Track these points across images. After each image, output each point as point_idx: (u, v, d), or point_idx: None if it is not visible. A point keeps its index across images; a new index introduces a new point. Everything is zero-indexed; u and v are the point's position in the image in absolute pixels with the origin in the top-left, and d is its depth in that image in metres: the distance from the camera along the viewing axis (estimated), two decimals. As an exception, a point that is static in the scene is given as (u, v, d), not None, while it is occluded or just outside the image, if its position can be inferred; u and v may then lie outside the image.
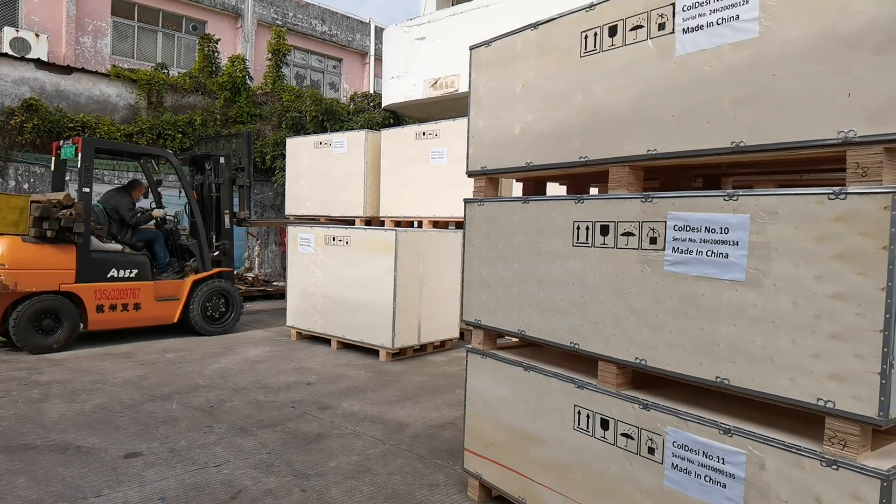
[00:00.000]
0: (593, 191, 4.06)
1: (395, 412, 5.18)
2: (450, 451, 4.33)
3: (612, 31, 2.80)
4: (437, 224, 8.83)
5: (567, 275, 2.97)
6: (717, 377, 2.39)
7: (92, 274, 7.18)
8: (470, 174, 3.60)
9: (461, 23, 10.65)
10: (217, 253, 8.55)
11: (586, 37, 2.91)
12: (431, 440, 4.54)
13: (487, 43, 3.47)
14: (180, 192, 8.53)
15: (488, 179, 3.51)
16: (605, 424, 2.82)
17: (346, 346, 7.61)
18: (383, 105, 12.34)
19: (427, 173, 8.77)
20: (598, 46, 2.87)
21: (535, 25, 3.18)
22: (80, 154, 7.20)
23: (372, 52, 23.58)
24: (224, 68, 12.84)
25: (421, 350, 7.44)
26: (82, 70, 11.39)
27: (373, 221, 9.94)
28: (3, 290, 6.57)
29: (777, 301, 2.22)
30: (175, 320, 7.98)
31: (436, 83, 10.98)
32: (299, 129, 12.74)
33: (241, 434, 4.55)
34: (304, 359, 7.06)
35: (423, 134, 8.81)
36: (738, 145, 2.35)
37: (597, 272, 2.83)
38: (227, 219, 8.68)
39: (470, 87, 3.60)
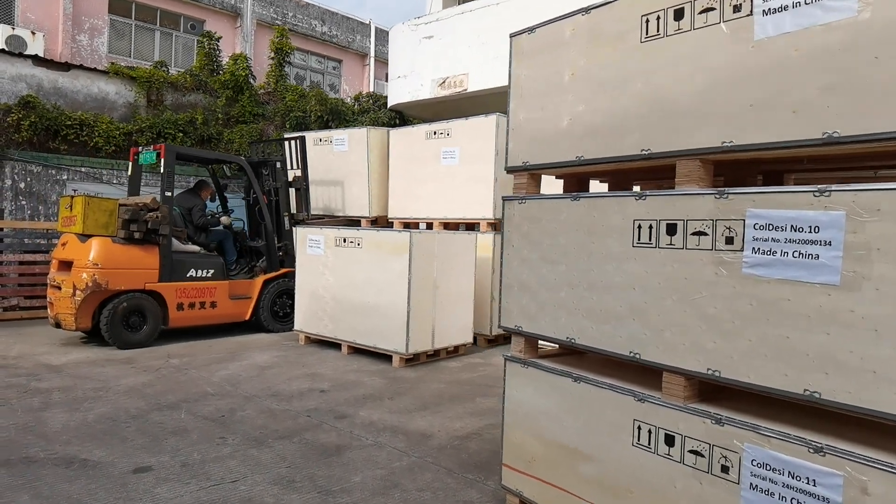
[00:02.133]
0: (636, 188, 3.85)
1: (415, 422, 4.93)
2: (479, 464, 4.09)
3: (678, 14, 2.59)
4: (447, 226, 8.60)
5: (625, 278, 2.74)
6: (805, 390, 2.17)
7: (173, 273, 7.64)
8: (509, 170, 3.37)
9: (470, 21, 10.46)
10: (281, 254, 8.80)
11: (647, 21, 2.69)
12: (458, 452, 4.30)
13: (530, 30, 3.24)
14: (250, 195, 9.11)
15: (530, 176, 3.29)
16: (670, 440, 2.59)
17: (357, 350, 7.37)
18: (389, 105, 12.12)
19: (438, 174, 8.56)
20: (661, 31, 2.65)
21: (586, 10, 2.95)
22: (162, 160, 7.66)
23: (372, 53, 23.37)
24: (226, 66, 12.57)
25: (434, 356, 7.20)
26: (80, 67, 11.10)
27: (379, 221, 9.71)
28: (97, 289, 7.02)
29: (879, 307, 2.00)
30: (247, 318, 8.44)
31: (444, 82, 10.76)
32: (303, 130, 12.45)
33: (256, 446, 4.30)
34: (315, 364, 6.80)
35: (435, 133, 8.59)
36: (831, 136, 2.14)
37: (661, 275, 2.60)
38: (286, 220, 8.96)
39: (510, 78, 3.38)
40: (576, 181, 3.48)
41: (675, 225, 2.56)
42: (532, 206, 3.21)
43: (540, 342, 3.36)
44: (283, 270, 8.78)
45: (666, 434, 2.61)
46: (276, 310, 8.70)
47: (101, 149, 10.46)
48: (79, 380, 5.85)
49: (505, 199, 3.38)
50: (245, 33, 19.16)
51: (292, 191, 9.25)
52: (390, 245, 6.85)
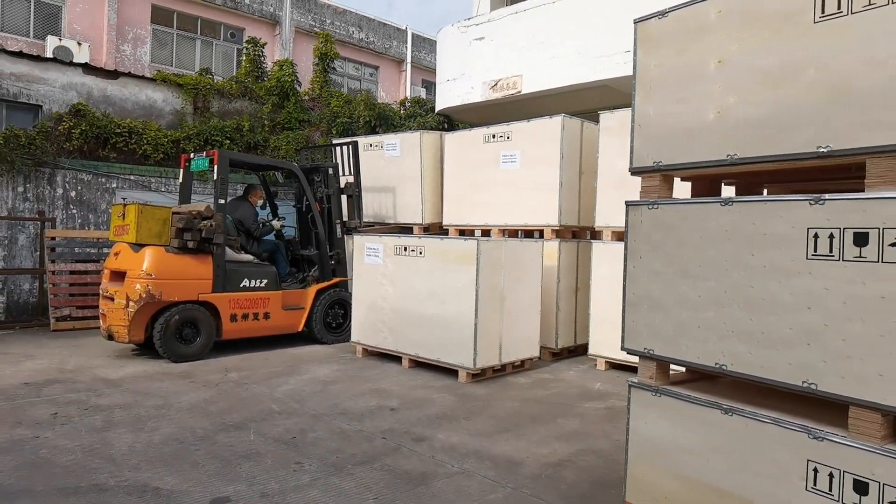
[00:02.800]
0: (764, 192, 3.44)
1: (499, 446, 4.57)
2: (583, 497, 3.71)
3: (868, -15, 2.20)
4: (507, 233, 8.24)
5: (796, 296, 2.35)
6: None
7: (227, 284, 7.39)
8: (636, 172, 3.00)
9: (524, 21, 10.11)
10: (333, 262, 8.54)
11: (823, -4, 2.31)
12: (555, 483, 3.92)
13: (662, 14, 2.88)
14: (302, 202, 8.68)
15: (662, 177, 2.91)
16: (861, 487, 2.19)
17: (419, 364, 7.03)
18: (437, 109, 11.83)
19: (497, 179, 8.21)
20: (843, 8, 2.26)
21: (738, -12, 2.58)
22: (215, 167, 7.38)
23: (408, 59, 23.19)
24: (271, 73, 12.42)
25: (501, 371, 6.83)
26: (129, 75, 11.04)
27: (431, 229, 9.39)
28: (151, 300, 6.78)
29: None
30: (300, 329, 8.19)
31: (496, 85, 10.43)
32: (350, 135, 12.24)
33: (336, 473, 3.98)
34: (378, 379, 6.49)
35: (493, 137, 8.25)
36: None
37: (846, 293, 2.21)
38: (339, 228, 8.67)
39: (634, 69, 3.01)
40: (707, 184, 3.10)
41: (867, 234, 2.17)
42: (666, 213, 2.83)
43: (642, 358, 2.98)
44: (335, 280, 8.51)
45: (855, 479, 2.21)
46: (329, 321, 8.41)
47: (149, 156, 10.35)
48: (138, 396, 5.61)
49: (629, 204, 3.01)
50: (284, 41, 19.11)
51: (344, 198, 8.96)
52: (456, 254, 6.52)
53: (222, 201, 7.36)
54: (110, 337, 7.05)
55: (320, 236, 8.40)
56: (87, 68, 10.54)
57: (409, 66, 23.29)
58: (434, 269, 6.72)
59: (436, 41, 24.62)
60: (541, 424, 5.13)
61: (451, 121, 12.57)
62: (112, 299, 6.99)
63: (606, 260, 7.20)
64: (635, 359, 3.03)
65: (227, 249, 7.45)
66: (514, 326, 6.83)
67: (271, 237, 8.44)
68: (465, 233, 8.76)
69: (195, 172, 8.22)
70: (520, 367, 7.07)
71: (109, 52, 15.59)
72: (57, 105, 9.96)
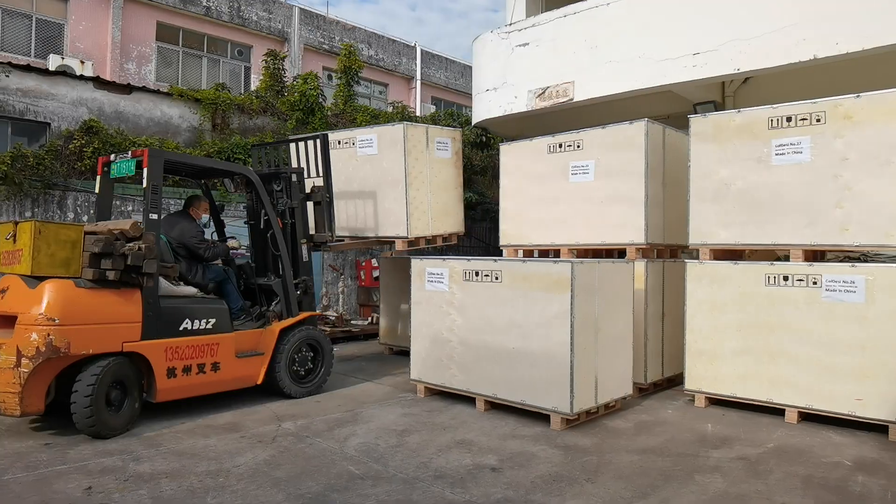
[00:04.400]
0: None
1: (654, 520, 3.65)
2: None
3: None
4: (577, 252, 7.37)
5: None
6: None
7: (162, 327, 5.52)
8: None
9: (574, 24, 9.35)
10: (299, 293, 6.84)
11: None
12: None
13: None
14: (259, 218, 6.86)
15: None
16: None
17: (495, 406, 6.10)
18: (474, 122, 11.02)
19: (565, 193, 7.37)
20: None
21: None
22: (145, 169, 5.54)
23: (418, 75, 22.61)
24: (295, 86, 11.61)
25: (594, 413, 5.90)
26: (143, 89, 10.21)
27: (417, 243, 8.40)
28: (53, 354, 4.84)
29: None
30: (259, 381, 6.29)
31: (543, 93, 9.63)
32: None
33: (472, 570, 3.04)
34: (456, 427, 5.55)
35: (560, 146, 7.41)
36: None
37: None
38: (304, 250, 6.97)
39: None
40: None
41: None
42: None
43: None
44: (302, 315, 6.77)
45: None
46: (296, 368, 6.62)
47: (166, 177, 9.45)
48: (184, 458, 4.65)
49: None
50: (293, 58, 18.43)
51: (310, 205, 7.26)
52: (542, 279, 5.63)
53: (154, 216, 5.54)
54: None
55: (283, 260, 6.72)
56: (99, 82, 9.70)
57: (418, 82, 22.68)
58: (514, 297, 5.82)
59: (446, 57, 24.31)
60: (680, 484, 4.21)
61: (488, 134, 11.77)
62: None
63: (705, 282, 6.34)
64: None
65: (162, 281, 5.67)
66: (609, 362, 5.93)
67: (217, 263, 6.74)
68: (526, 254, 7.90)
69: (116, 180, 6.61)
70: (612, 407, 6.15)
71: (113, 70, 14.84)
72: (66, 122, 9.09)
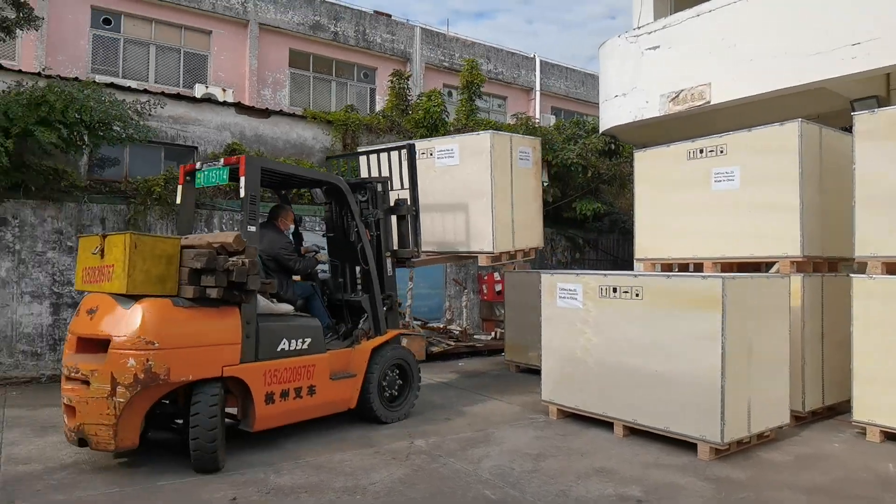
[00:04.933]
0: None
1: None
2: None
3: None
4: (722, 266, 6.80)
5: None
6: None
7: (260, 348, 5.08)
8: None
9: (709, 23, 8.75)
10: (384, 308, 6.40)
11: None
12: None
13: None
14: (344, 229, 6.48)
15: None
16: None
17: (634, 432, 5.70)
18: (602, 129, 10.63)
19: (707, 202, 6.84)
20: None
21: None
22: (243, 178, 5.10)
23: (537, 87, 22.38)
24: (418, 104, 11.80)
25: (746, 443, 5.35)
26: (280, 113, 10.79)
27: (501, 257, 7.96)
28: (152, 382, 4.41)
29: None
30: (353, 405, 5.88)
31: (677, 97, 9.09)
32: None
33: None
34: (593, 453, 5.23)
35: (701, 152, 6.91)
36: None
37: None
38: (389, 264, 6.55)
39: None
40: None
41: None
42: None
43: None
44: (392, 333, 6.37)
45: None
46: (386, 391, 6.18)
47: (302, 195, 9.88)
48: (323, 473, 4.70)
49: None
50: (415, 77, 18.80)
51: (392, 219, 6.80)
52: (689, 296, 5.20)
53: (252, 228, 5.12)
54: (82, 441, 4.54)
55: (372, 275, 6.28)
56: (240, 108, 10.36)
57: (538, 93, 22.45)
58: (656, 315, 5.43)
59: (565, 67, 23.91)
60: (870, 536, 3.66)
61: (617, 141, 11.32)
62: (85, 382, 4.50)
63: (875, 299, 5.61)
64: None
65: (259, 298, 5.23)
66: (763, 387, 5.37)
67: (307, 281, 6.33)
68: (664, 268, 7.42)
69: (200, 191, 6.48)
70: (766, 437, 5.56)
71: (251, 96, 15.83)
72: (212, 146, 9.76)
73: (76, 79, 8.75)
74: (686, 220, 7.06)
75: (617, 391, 5.75)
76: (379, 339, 6.19)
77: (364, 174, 7.89)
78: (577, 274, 6.24)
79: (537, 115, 21.55)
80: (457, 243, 7.80)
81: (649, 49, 9.56)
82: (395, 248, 6.77)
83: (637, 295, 5.59)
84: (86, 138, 7.90)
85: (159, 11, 14.66)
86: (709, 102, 8.76)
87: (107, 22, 14.23)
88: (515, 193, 7.92)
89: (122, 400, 4.37)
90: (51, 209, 8.22)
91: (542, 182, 11.56)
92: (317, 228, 9.66)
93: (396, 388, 6.29)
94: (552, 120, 20.97)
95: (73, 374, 4.58)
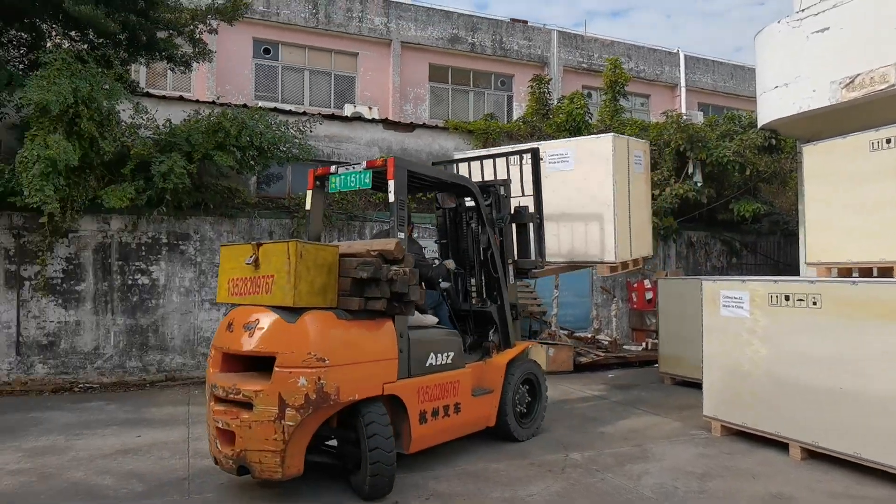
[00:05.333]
0: None
1: None
2: None
3: None
4: (913, 272, 5.98)
5: None
6: None
7: (412, 364, 4.74)
8: None
9: (892, -3, 7.80)
10: (512, 319, 6.07)
11: None
12: None
13: None
14: (463, 236, 6.21)
15: None
16: None
17: (813, 454, 5.16)
18: (760, 124, 9.83)
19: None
20: None
21: None
22: (391, 182, 4.73)
23: (682, 82, 21.26)
24: (559, 107, 11.65)
25: (956, 474, 4.65)
26: (423, 126, 11.18)
27: (618, 267, 7.26)
28: (323, 403, 4.08)
29: None
30: (493, 423, 5.57)
31: (852, 82, 8.18)
32: (653, 166, 10.86)
33: None
34: (768, 476, 4.80)
35: (888, 142, 6.14)
36: None
37: None
38: (511, 271, 6.14)
39: None
40: None
41: None
42: None
43: None
44: (523, 345, 6.05)
45: None
46: (518, 405, 5.82)
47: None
48: (479, 481, 4.72)
49: None
50: (553, 81, 18.59)
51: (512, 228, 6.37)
52: (883, 305, 4.63)
53: (402, 235, 4.72)
54: (242, 470, 4.20)
55: (501, 283, 5.90)
56: (387, 123, 10.83)
57: (683, 89, 21.32)
58: (839, 326, 4.89)
59: (712, 60, 22.49)
60: None
61: (777, 136, 10.44)
62: (246, 405, 4.13)
63: None
64: None
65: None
66: (978, 409, 4.63)
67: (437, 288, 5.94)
68: (842, 273, 6.68)
69: (331, 196, 6.32)
70: (984, 468, 4.79)
71: (394, 112, 16.47)
72: (362, 160, 10.27)
73: (244, 105, 9.60)
74: (869, 218, 6.30)
75: (792, 409, 5.24)
76: (512, 352, 5.87)
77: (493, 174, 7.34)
78: (743, 280, 5.79)
79: (684, 112, 20.49)
80: (573, 252, 7.31)
81: (816, 32, 8.70)
82: (515, 258, 6.34)
83: (814, 303, 5.08)
84: (256, 159, 8.64)
85: (312, 38, 15.72)
86: (892, 85, 7.80)
87: (266, 51, 15.50)
88: (632, 200, 7.42)
89: (291, 423, 3.98)
90: (226, 224, 9.07)
91: (696, 183, 10.96)
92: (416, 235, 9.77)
93: (525, 403, 5.96)
94: (699, 116, 19.83)
95: (230, 396, 4.19)
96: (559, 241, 7.52)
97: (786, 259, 12.87)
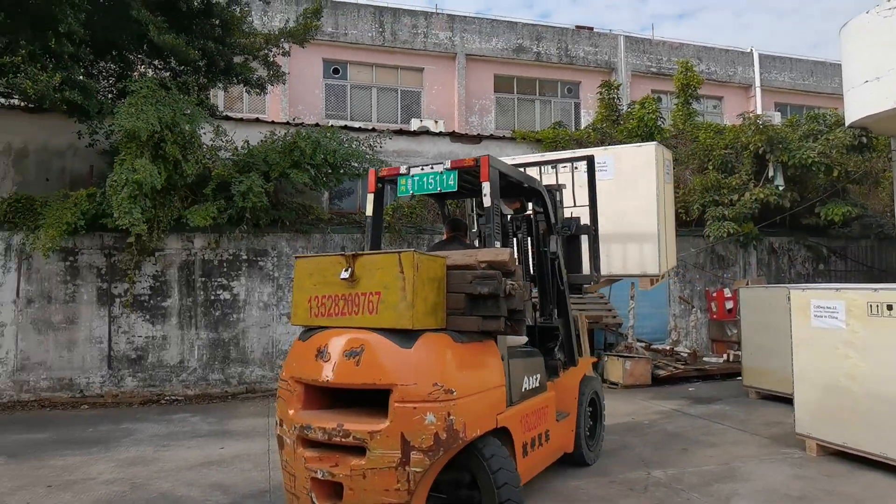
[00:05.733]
0: None
1: None
2: None
3: None
4: None
5: None
6: None
7: (513, 389, 4.17)
8: None
9: None
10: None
11: None
12: None
13: None
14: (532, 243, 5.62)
15: None
16: None
17: (926, 478, 4.77)
18: (849, 121, 9.29)
19: None
20: None
21: None
22: (485, 184, 4.10)
23: (757, 82, 20.43)
24: (630, 113, 11.39)
25: None
26: (490, 137, 11.19)
27: (653, 280, 6.76)
28: (453, 442, 3.45)
29: None
30: (571, 448, 5.10)
31: (953, 74, 7.61)
32: (730, 170, 10.43)
33: None
34: (875, 501, 4.46)
35: None
36: None
37: None
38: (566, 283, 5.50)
39: None
40: None
41: None
42: None
43: None
44: (589, 361, 5.70)
45: None
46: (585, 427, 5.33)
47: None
48: (557, 499, 4.60)
49: None
50: (621, 87, 18.24)
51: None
52: None
53: (499, 244, 4.17)
54: None
55: (564, 296, 5.34)
56: (454, 136, 10.89)
57: (758, 89, 20.48)
58: (950, 337, 4.50)
59: (788, 58, 21.49)
60: None
61: (868, 134, 9.82)
62: (359, 451, 3.46)
63: None
64: None
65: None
66: None
67: None
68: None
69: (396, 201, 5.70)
70: None
71: (460, 124, 16.54)
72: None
73: (316, 124, 9.86)
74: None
75: (898, 428, 4.86)
76: (581, 371, 5.41)
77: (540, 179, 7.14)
78: (837, 289, 5.44)
79: (760, 113, 19.65)
80: (610, 265, 6.83)
81: (910, 22, 8.16)
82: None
83: (922, 313, 4.70)
84: (329, 176, 8.86)
85: (378, 56, 16.04)
86: None
87: (335, 71, 15.91)
88: (666, 210, 7.05)
89: (417, 470, 3.32)
90: (301, 240, 9.30)
91: (777, 186, 10.44)
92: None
93: (590, 424, 5.47)
94: (777, 117, 18.98)
95: (335, 439, 3.48)
96: (605, 254, 6.99)
97: (882, 264, 12.06)
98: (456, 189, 4.36)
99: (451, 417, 3.38)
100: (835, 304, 5.35)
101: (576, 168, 6.53)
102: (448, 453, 3.45)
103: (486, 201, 4.11)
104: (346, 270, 3.66)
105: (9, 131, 9.35)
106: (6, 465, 5.59)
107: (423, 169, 4.40)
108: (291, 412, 3.72)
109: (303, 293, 3.93)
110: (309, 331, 3.92)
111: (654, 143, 7.08)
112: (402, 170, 4.52)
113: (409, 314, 3.46)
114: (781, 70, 21.16)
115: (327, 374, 3.60)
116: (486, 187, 4.11)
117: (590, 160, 6.21)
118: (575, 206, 6.27)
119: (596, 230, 6.03)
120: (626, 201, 6.77)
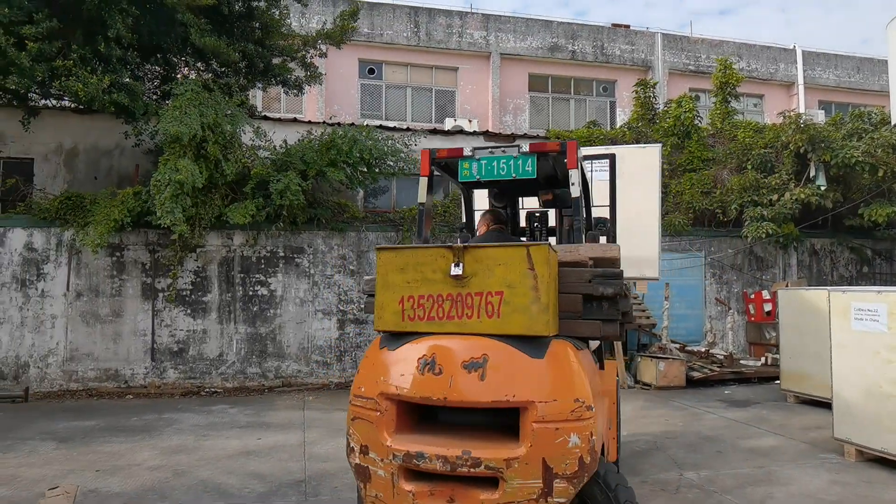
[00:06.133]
0: None
1: None
2: None
3: None
4: None
5: None
6: None
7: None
8: None
9: None
10: None
11: None
12: None
13: None
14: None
15: None
16: None
17: (970, 486, 4.65)
18: (895, 120, 9.05)
19: None
20: None
21: None
22: (572, 171, 3.60)
23: (800, 79, 19.91)
24: (666, 111, 11.28)
25: None
26: (523, 136, 11.28)
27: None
28: (595, 468, 2.93)
29: None
30: (615, 457, 4.48)
31: None
32: (770, 169, 10.24)
33: None
34: (915, 508, 4.38)
35: None
36: None
37: None
38: None
39: None
40: None
41: None
42: None
43: None
44: (614, 364, 4.91)
45: None
46: None
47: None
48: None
49: None
50: (658, 85, 18.02)
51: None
52: None
53: (600, 238, 3.88)
54: None
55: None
56: (488, 135, 10.96)
57: (801, 87, 19.98)
58: None
59: (834, 54, 20.93)
60: None
61: (916, 135, 9.55)
62: (489, 482, 2.89)
63: None
64: None
65: None
66: None
67: None
68: None
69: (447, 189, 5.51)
70: None
71: (494, 124, 16.55)
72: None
73: (352, 124, 10.01)
74: None
75: (942, 434, 4.75)
76: (613, 374, 4.73)
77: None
78: (879, 291, 5.32)
79: (802, 111, 19.19)
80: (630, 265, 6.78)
81: (961, 18, 7.91)
82: None
83: (967, 317, 4.58)
84: (365, 174, 9.01)
85: (413, 56, 16.16)
86: None
87: (371, 71, 16.09)
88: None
89: (562, 500, 2.82)
90: (336, 238, 9.47)
91: (819, 186, 10.21)
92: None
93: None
94: (820, 115, 18.51)
95: (460, 469, 2.85)
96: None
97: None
98: (534, 176, 3.78)
99: (594, 438, 2.87)
100: (876, 307, 5.25)
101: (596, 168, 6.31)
102: (586, 481, 2.89)
103: (575, 191, 3.61)
104: (457, 266, 3.06)
105: (60, 132, 9.76)
106: (58, 450, 5.85)
107: (492, 152, 3.83)
108: (387, 437, 3.03)
109: (391, 292, 3.21)
110: (398, 337, 3.20)
111: (659, 144, 7.01)
112: (467, 151, 3.91)
113: (545, 319, 2.94)
114: (826, 67, 20.62)
115: (443, 391, 2.94)
116: (574, 175, 3.60)
117: (611, 158, 5.85)
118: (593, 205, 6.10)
119: (615, 230, 5.78)
120: (629, 203, 6.54)
